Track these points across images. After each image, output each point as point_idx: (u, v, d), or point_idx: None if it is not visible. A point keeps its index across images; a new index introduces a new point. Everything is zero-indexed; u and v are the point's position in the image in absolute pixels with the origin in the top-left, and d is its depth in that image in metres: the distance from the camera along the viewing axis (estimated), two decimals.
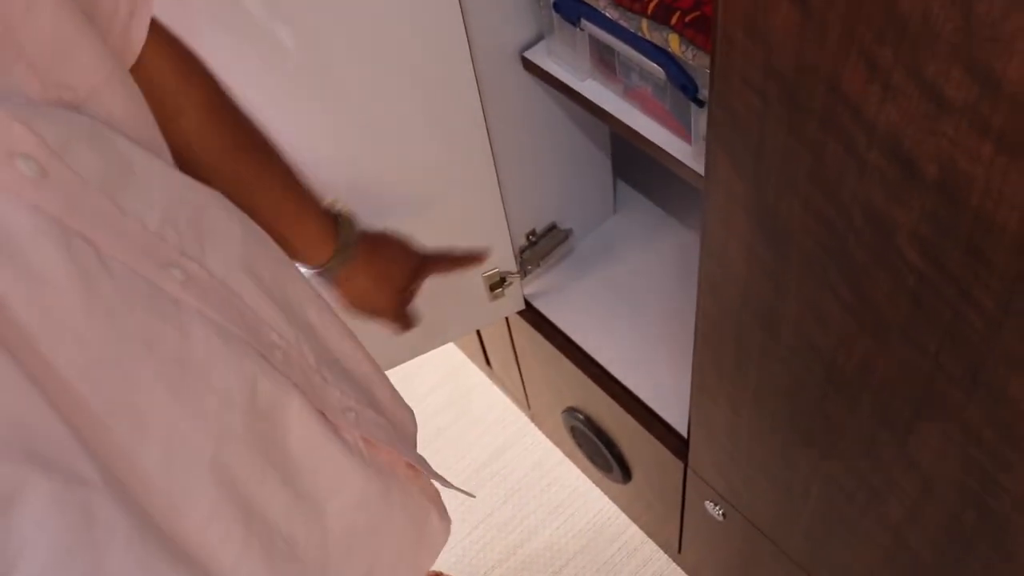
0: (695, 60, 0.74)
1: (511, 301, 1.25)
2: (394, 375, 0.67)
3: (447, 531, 0.70)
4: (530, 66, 0.98)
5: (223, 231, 0.46)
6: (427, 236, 1.05)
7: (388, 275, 0.77)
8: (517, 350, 1.42)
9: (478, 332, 1.55)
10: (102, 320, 0.36)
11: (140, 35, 0.48)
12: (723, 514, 1.10)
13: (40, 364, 0.33)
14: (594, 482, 1.61)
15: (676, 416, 1.13)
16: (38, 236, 0.34)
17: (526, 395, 1.57)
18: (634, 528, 1.56)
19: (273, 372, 0.46)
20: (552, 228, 1.25)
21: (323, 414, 0.51)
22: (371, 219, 0.98)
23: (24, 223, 0.33)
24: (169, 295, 0.40)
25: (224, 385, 0.42)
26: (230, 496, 0.42)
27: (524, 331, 1.32)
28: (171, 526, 0.39)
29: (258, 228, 0.50)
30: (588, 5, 0.82)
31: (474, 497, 0.72)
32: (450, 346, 1.79)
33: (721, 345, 0.80)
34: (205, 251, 0.43)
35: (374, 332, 0.79)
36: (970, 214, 0.46)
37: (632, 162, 1.39)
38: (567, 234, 1.26)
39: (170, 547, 0.38)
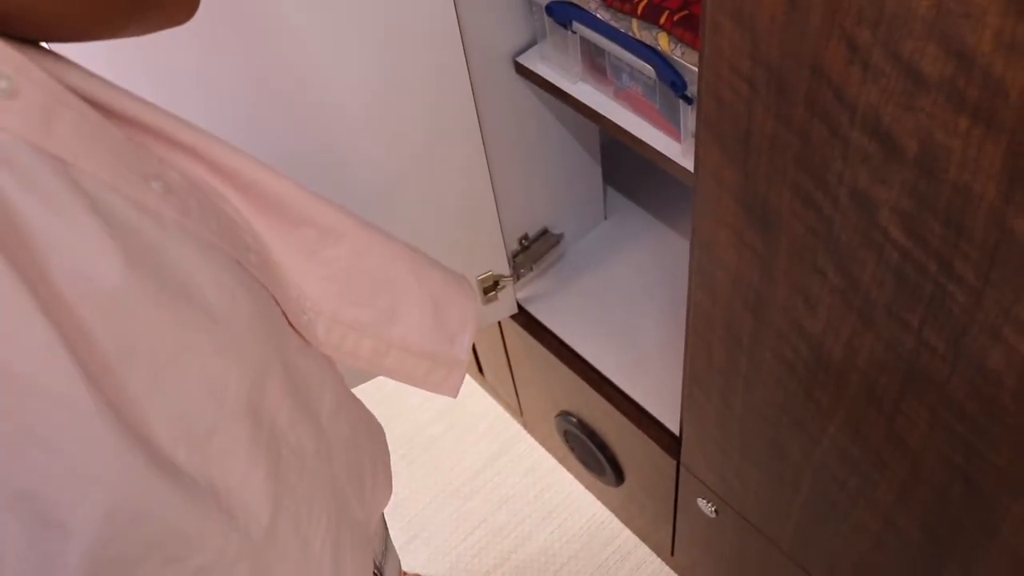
0: (684, 57, 0.76)
1: (504, 305, 1.27)
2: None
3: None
4: (523, 70, 1.01)
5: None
6: (421, 238, 1.07)
7: None
8: (510, 354, 1.44)
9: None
10: (81, 246, 0.37)
11: None
12: (715, 511, 1.12)
13: (40, 282, 0.35)
14: (587, 487, 1.62)
15: (668, 414, 1.15)
16: (11, 163, 0.34)
17: (519, 401, 1.59)
18: (627, 532, 1.57)
19: (252, 282, 0.48)
20: (544, 232, 1.27)
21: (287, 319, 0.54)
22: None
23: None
24: (150, 211, 0.41)
25: (205, 300, 0.43)
26: (231, 411, 0.44)
27: (517, 335, 1.33)
28: (170, 442, 0.41)
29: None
30: (579, 7, 0.85)
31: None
32: None
33: (712, 335, 0.83)
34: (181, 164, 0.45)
35: None
36: (949, 186, 0.49)
37: (622, 168, 1.41)
38: (559, 238, 1.28)
39: (160, 458, 0.40)
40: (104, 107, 0.42)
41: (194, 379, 0.42)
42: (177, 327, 0.41)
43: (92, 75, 0.42)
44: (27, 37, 0.38)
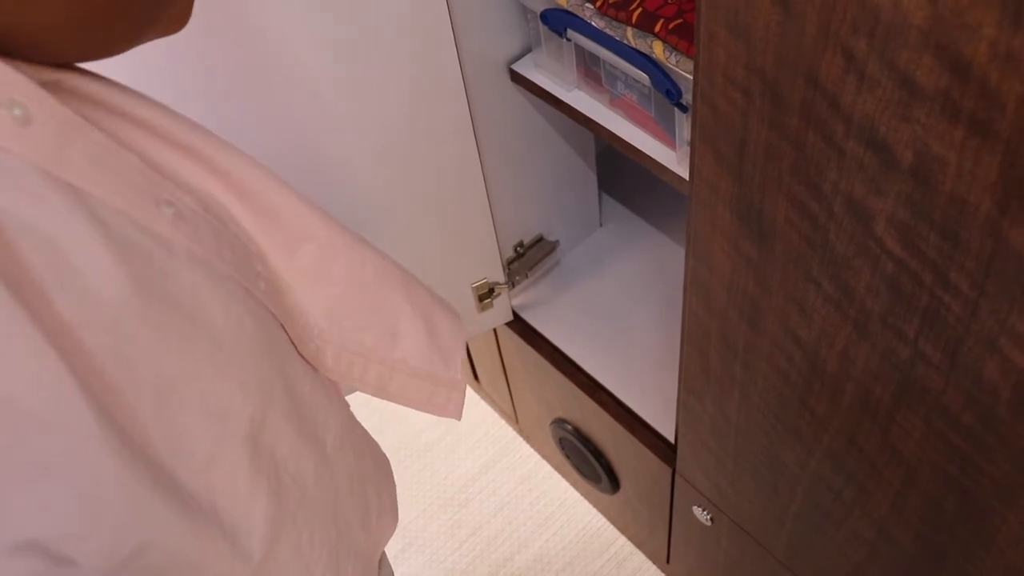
0: (679, 66, 0.76)
1: (499, 312, 1.26)
2: None
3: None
4: (518, 78, 1.00)
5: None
6: (417, 246, 1.07)
7: None
8: (505, 362, 1.44)
9: (466, 347, 1.56)
10: (92, 271, 0.37)
11: None
12: (711, 519, 1.12)
13: (46, 313, 0.34)
14: (582, 494, 1.62)
15: (663, 422, 1.15)
16: (26, 190, 0.34)
17: (514, 408, 1.59)
18: (623, 540, 1.57)
19: (259, 309, 0.48)
20: (539, 240, 1.27)
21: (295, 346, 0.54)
22: (360, 228, 1.00)
23: (11, 178, 0.34)
24: (160, 238, 0.41)
25: (213, 328, 0.43)
26: (233, 438, 0.44)
27: (512, 342, 1.33)
28: (173, 469, 0.40)
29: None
30: (574, 15, 0.85)
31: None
32: None
33: (707, 344, 0.82)
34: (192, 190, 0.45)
35: None
36: (944, 197, 0.49)
37: (617, 176, 1.41)
38: (554, 246, 1.28)
39: (165, 485, 0.39)
40: (114, 110, 0.43)
41: (197, 405, 0.42)
42: (182, 353, 0.41)
43: (101, 79, 0.42)
44: (33, 59, 0.38)
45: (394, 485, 0.70)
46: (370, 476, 0.64)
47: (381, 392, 0.65)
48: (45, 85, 0.37)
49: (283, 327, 0.53)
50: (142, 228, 0.40)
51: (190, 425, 0.42)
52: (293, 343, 0.54)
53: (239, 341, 0.45)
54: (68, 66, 0.41)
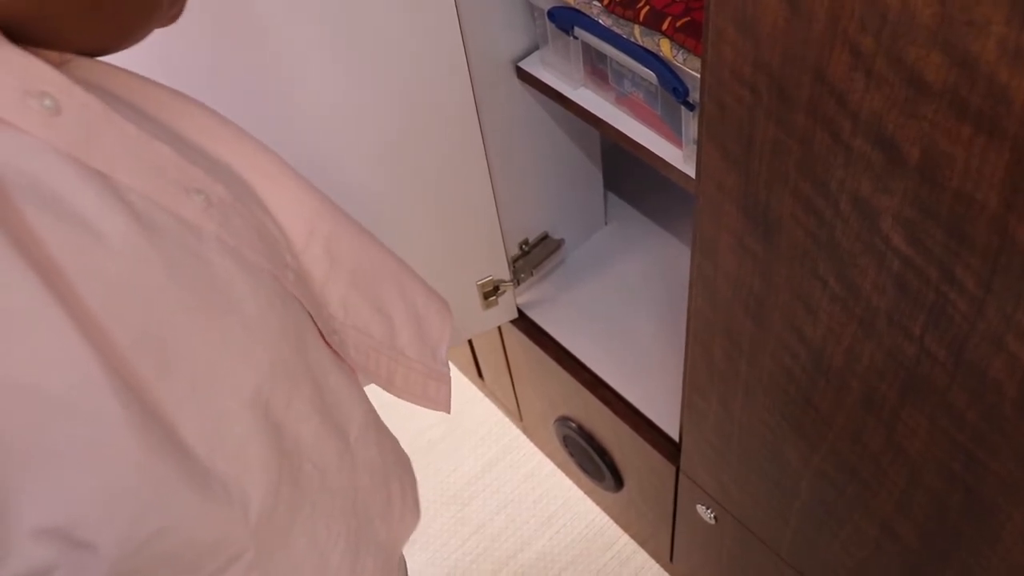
0: (685, 63, 0.76)
1: (504, 310, 1.26)
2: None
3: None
4: (524, 76, 1.01)
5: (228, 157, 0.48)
6: (422, 243, 1.08)
7: None
8: (510, 360, 1.44)
9: (470, 344, 1.56)
10: (123, 255, 0.37)
11: None
12: (714, 517, 1.12)
13: (72, 298, 0.35)
14: (586, 492, 1.62)
15: (668, 420, 1.15)
16: (56, 176, 0.35)
17: (518, 406, 1.59)
18: (626, 538, 1.57)
19: (287, 297, 0.48)
20: (544, 238, 1.27)
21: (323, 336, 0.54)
22: (366, 226, 1.00)
23: (41, 164, 0.35)
24: (190, 224, 0.41)
25: (243, 311, 0.43)
26: (260, 422, 0.44)
27: (517, 340, 1.33)
28: (201, 454, 0.40)
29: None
30: (582, 13, 0.85)
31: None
32: None
33: (712, 341, 0.82)
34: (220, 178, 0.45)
35: None
36: (951, 194, 0.49)
37: (623, 175, 1.42)
38: (559, 244, 1.28)
39: (191, 471, 0.39)
40: (142, 102, 0.43)
41: (228, 390, 0.42)
42: (214, 337, 0.41)
43: (129, 73, 0.43)
44: (56, 49, 0.39)
45: (415, 482, 0.70)
46: (392, 471, 0.64)
47: (389, 385, 0.66)
48: (76, 82, 0.37)
49: (312, 318, 0.53)
50: (172, 214, 0.40)
51: (222, 409, 0.42)
52: (321, 333, 0.54)
53: (268, 326, 0.45)
54: (96, 63, 0.41)
